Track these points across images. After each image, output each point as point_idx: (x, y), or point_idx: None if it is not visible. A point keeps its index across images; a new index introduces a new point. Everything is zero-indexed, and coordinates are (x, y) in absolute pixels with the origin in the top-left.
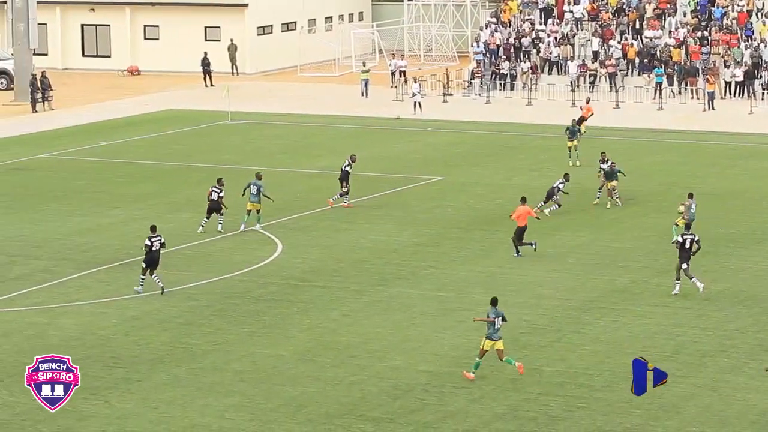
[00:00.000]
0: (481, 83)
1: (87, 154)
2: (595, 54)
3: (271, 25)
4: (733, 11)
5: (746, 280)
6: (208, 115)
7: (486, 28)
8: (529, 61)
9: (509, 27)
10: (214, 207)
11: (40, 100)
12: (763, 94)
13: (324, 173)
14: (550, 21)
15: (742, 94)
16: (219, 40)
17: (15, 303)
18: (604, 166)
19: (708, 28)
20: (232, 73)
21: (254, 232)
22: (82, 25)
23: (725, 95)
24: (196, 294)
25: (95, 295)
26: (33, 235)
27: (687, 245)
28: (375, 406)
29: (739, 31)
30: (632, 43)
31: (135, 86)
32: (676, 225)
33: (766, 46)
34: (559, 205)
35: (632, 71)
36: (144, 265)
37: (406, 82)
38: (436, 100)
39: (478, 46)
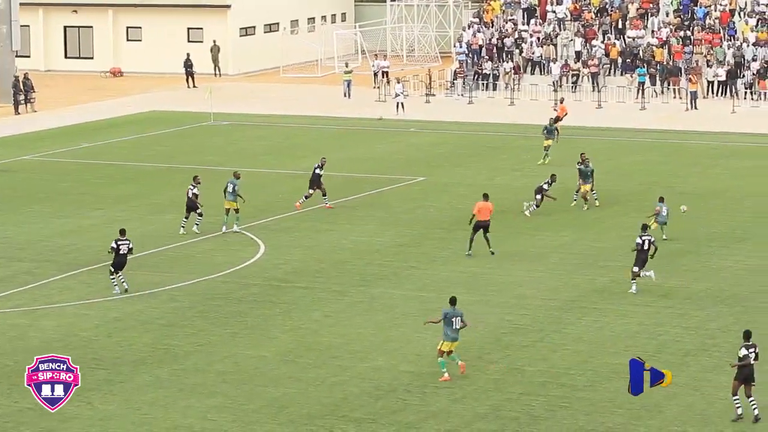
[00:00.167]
0: (464, 83)
1: (69, 156)
2: (578, 54)
3: (254, 26)
4: (715, 11)
5: (727, 279)
6: (190, 116)
7: (468, 29)
8: (512, 61)
9: (492, 27)
10: (191, 205)
11: (22, 101)
12: (745, 93)
13: (307, 174)
14: (532, 21)
15: (725, 94)
16: (201, 42)
17: None
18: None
19: (691, 28)
20: (215, 74)
21: (236, 233)
22: (65, 27)
23: (708, 95)
24: (179, 295)
25: (77, 296)
26: (15, 237)
27: (645, 246)
28: (357, 407)
29: (721, 31)
30: (615, 43)
31: (117, 88)
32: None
33: (748, 45)
34: (538, 206)
35: (615, 71)
36: (112, 269)
37: (388, 82)
38: (419, 101)
39: (461, 47)
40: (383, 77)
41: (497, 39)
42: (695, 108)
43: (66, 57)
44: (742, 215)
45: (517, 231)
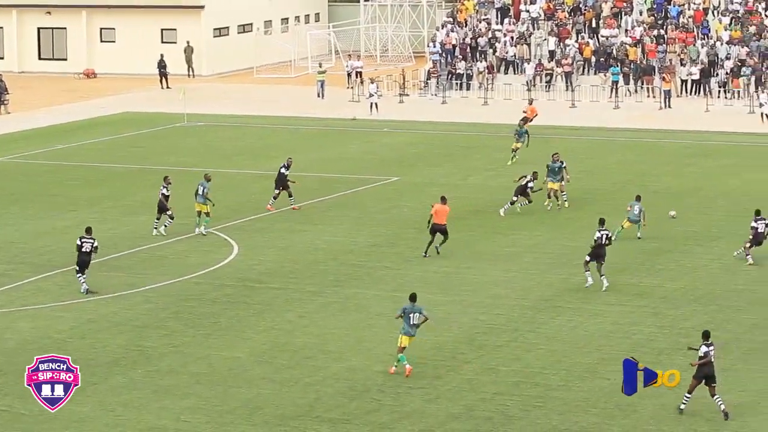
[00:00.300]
0: (438, 83)
1: (43, 158)
2: (552, 53)
3: (228, 27)
4: (689, 9)
5: (702, 278)
6: (164, 117)
7: (442, 28)
8: (486, 60)
9: (465, 27)
10: (162, 206)
11: None
12: (719, 92)
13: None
14: (506, 20)
15: (699, 93)
16: (175, 42)
17: None
18: (562, 164)
19: (664, 27)
20: (189, 75)
21: (210, 234)
22: (39, 29)
23: (681, 93)
24: (153, 297)
25: (52, 298)
26: None
27: (603, 241)
28: (331, 407)
29: (695, 29)
30: (588, 42)
31: (91, 89)
32: (622, 227)
33: (722, 44)
34: (512, 204)
35: (588, 70)
36: (77, 267)
37: (362, 82)
38: (393, 101)
39: (434, 46)
40: (357, 77)
41: (471, 38)
42: (669, 107)
43: (40, 58)
44: (716, 214)
45: (491, 231)
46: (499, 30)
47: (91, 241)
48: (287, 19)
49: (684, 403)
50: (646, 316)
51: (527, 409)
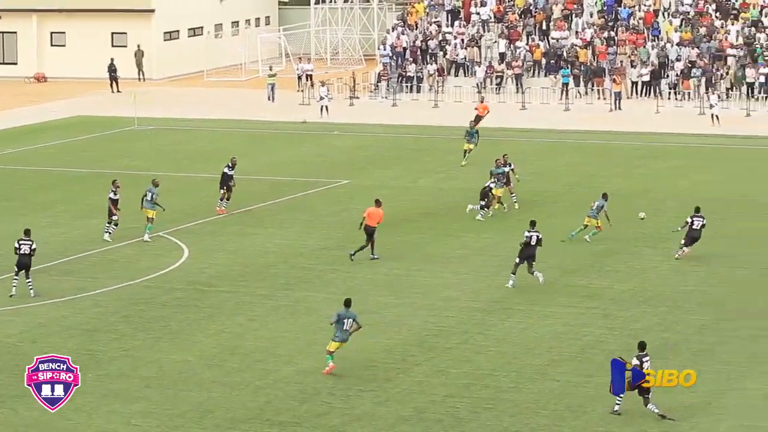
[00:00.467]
0: (388, 86)
1: None
2: (502, 55)
3: (178, 31)
4: (639, 11)
5: (652, 280)
6: (115, 121)
7: (393, 31)
8: (436, 63)
9: (416, 29)
10: (109, 210)
11: None
12: (669, 93)
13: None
14: (456, 23)
15: (649, 94)
16: (126, 46)
17: None
18: (506, 168)
19: (615, 28)
20: (139, 78)
21: (161, 237)
22: None
23: (632, 95)
24: (103, 300)
25: (1, 303)
26: None
27: (532, 242)
28: (281, 411)
29: (645, 31)
30: (539, 44)
31: (42, 93)
32: (585, 226)
33: (672, 45)
34: (488, 207)
35: (539, 72)
36: (16, 269)
37: (312, 85)
38: (343, 104)
39: (385, 49)
40: (307, 80)
41: (421, 41)
42: (619, 108)
43: None
44: (665, 215)
45: (442, 233)
46: (449, 32)
47: (30, 242)
48: (238, 22)
49: (617, 404)
50: (596, 317)
51: (477, 411)
